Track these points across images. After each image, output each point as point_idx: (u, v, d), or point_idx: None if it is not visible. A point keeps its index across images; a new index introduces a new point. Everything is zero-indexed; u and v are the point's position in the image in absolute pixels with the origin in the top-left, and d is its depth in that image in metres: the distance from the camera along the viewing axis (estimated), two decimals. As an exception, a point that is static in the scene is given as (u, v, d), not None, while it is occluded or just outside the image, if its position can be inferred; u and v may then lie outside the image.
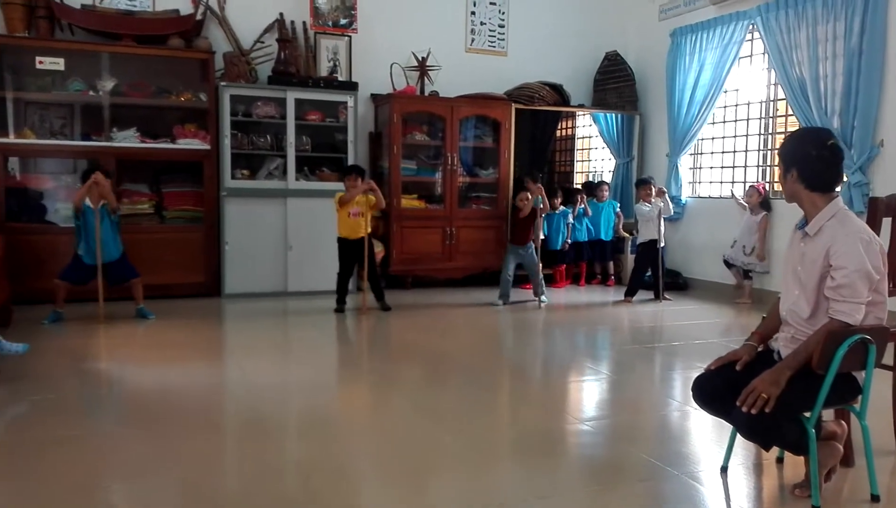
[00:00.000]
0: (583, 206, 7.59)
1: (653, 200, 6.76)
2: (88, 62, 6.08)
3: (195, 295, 6.30)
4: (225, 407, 3.59)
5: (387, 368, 4.49)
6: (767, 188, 6.68)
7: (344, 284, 5.96)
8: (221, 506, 2.41)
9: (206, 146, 6.29)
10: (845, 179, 5.73)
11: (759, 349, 2.57)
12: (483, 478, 2.67)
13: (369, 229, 5.89)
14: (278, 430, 3.21)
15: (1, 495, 2.47)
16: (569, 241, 7.48)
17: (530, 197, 6.34)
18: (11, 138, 5.89)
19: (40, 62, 5.84)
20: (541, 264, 6.49)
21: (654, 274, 6.84)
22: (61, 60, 5.89)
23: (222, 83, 6.31)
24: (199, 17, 6.50)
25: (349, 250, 5.90)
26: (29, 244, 5.73)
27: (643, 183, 6.96)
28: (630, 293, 6.82)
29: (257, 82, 6.60)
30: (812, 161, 2.37)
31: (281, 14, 6.81)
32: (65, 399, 3.51)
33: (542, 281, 6.54)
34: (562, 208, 7.47)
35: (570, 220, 7.48)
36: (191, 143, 6.29)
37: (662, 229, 6.77)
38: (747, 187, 6.75)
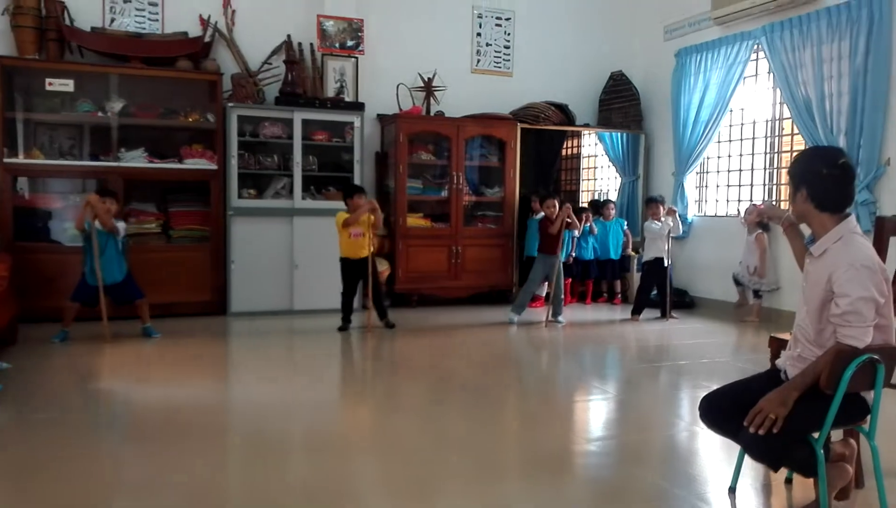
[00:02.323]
0: (589, 224, 7.58)
1: (662, 218, 6.76)
2: (97, 84, 6.15)
3: (201, 313, 6.30)
4: (230, 426, 3.58)
5: (392, 386, 4.48)
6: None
7: (349, 303, 5.96)
8: (225, 527, 2.40)
9: (214, 166, 6.33)
10: (852, 197, 5.71)
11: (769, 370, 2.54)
12: (488, 498, 2.65)
13: (372, 249, 5.91)
14: (283, 448, 3.20)
15: (5, 515, 2.46)
16: (573, 255, 7.46)
17: (557, 206, 6.37)
18: (21, 159, 5.94)
19: (50, 84, 5.90)
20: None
21: (660, 293, 6.82)
22: (71, 82, 5.95)
23: (230, 104, 6.36)
24: (207, 39, 6.57)
25: (352, 270, 5.92)
26: (36, 264, 5.76)
27: (653, 201, 6.96)
28: (636, 312, 6.80)
29: (264, 103, 6.66)
30: (822, 180, 2.32)
31: (288, 36, 6.88)
32: (70, 418, 3.50)
33: (562, 300, 6.54)
34: None
35: (576, 234, 7.48)
36: (198, 163, 6.33)
37: (670, 247, 6.76)
38: (748, 206, 6.72)
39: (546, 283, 6.82)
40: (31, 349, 4.95)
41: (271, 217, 6.50)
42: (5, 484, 2.72)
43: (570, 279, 7.66)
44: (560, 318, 6.47)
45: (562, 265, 6.48)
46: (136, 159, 6.15)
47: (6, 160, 5.81)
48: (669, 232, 6.70)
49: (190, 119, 6.39)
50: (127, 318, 5.49)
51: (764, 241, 6.46)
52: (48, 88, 5.90)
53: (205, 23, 6.60)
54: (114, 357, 4.88)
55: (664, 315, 6.76)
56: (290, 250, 6.54)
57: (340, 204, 6.49)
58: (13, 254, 5.41)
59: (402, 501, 2.63)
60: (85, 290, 5.27)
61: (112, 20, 6.39)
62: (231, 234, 6.36)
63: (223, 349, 5.42)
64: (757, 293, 6.64)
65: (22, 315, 5.21)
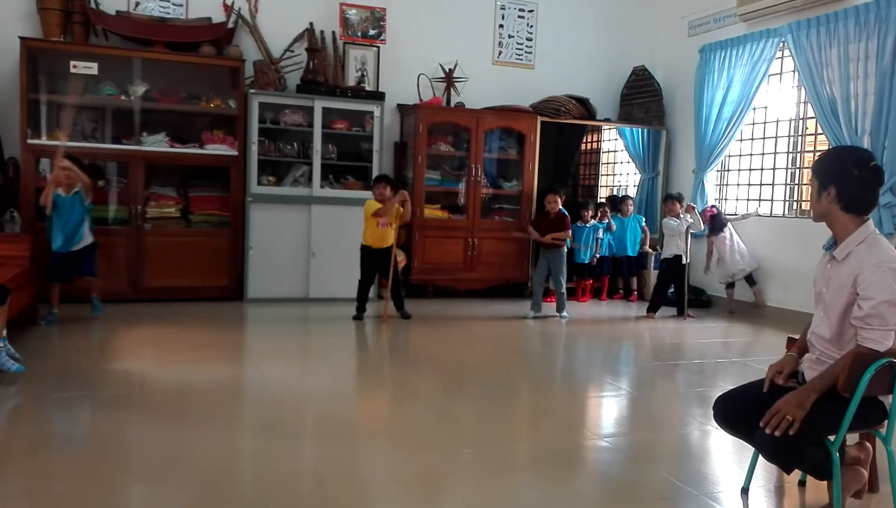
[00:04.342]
0: (607, 220, 7.55)
1: (680, 215, 6.71)
2: (121, 67, 6.18)
3: (218, 299, 6.35)
4: (243, 411, 3.62)
5: (405, 377, 4.49)
6: (718, 209, 7.13)
7: (365, 291, 5.99)
8: (238, 510, 2.42)
9: (234, 152, 6.36)
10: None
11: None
12: (499, 492, 2.66)
13: (394, 240, 5.93)
14: (295, 435, 3.22)
15: (19, 495, 2.50)
16: (597, 255, 7.43)
17: (559, 201, 6.37)
18: (44, 140, 6.00)
19: (74, 66, 5.94)
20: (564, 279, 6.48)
21: (678, 291, 6.78)
22: (95, 65, 5.98)
23: (251, 91, 6.38)
24: (230, 25, 6.59)
25: (372, 259, 5.93)
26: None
27: (670, 198, 6.91)
28: (653, 309, 6.77)
29: (286, 90, 6.67)
30: (853, 181, 2.29)
31: (311, 24, 6.89)
32: (86, 398, 3.55)
33: (565, 295, 6.50)
34: (593, 221, 7.42)
35: (601, 235, 7.44)
36: (219, 148, 6.36)
37: (689, 245, 6.72)
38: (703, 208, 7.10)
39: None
40: (49, 329, 5.02)
41: (290, 205, 6.52)
42: (22, 463, 2.76)
43: (593, 280, 7.64)
44: (564, 313, 6.44)
45: (564, 260, 6.45)
46: (157, 144, 6.20)
47: (29, 141, 5.86)
48: (688, 229, 6.67)
49: (212, 105, 6.42)
50: (144, 301, 5.53)
51: (709, 243, 6.96)
52: (72, 70, 5.95)
53: (228, 9, 6.62)
54: (131, 339, 4.93)
55: (681, 314, 6.72)
56: (308, 238, 6.57)
57: (359, 193, 6.53)
58: (34, 235, 5.46)
59: (413, 490, 2.64)
60: (58, 262, 5.26)
61: (137, 4, 6.43)
62: (250, 220, 6.39)
63: (239, 334, 5.45)
64: (731, 285, 6.99)
65: (41, 296, 5.26)
